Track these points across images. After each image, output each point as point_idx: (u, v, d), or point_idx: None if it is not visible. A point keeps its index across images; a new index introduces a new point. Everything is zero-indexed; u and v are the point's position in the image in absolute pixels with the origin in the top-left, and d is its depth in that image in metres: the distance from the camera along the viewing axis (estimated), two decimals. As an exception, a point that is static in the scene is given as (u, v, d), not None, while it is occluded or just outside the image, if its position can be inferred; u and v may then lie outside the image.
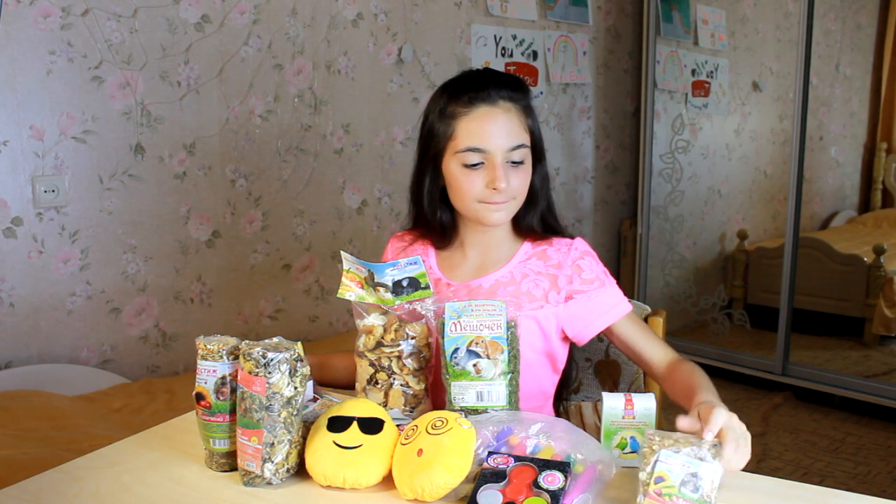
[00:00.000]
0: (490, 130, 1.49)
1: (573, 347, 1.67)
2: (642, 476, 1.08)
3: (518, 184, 1.52)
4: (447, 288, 1.60)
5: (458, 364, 1.35)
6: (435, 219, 1.62)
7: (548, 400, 1.64)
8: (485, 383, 1.35)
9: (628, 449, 1.27)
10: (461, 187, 1.53)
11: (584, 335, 1.57)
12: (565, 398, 1.76)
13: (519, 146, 1.51)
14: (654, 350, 1.55)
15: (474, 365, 1.35)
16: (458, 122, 1.52)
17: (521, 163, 1.52)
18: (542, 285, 1.56)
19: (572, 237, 1.62)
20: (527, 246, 1.62)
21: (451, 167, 1.54)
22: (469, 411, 1.35)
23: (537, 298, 1.55)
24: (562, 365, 1.63)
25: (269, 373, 1.19)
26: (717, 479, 1.07)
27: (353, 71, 3.48)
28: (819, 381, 3.93)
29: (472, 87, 1.53)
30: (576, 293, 1.55)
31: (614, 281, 1.60)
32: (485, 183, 1.50)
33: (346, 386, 1.66)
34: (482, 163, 1.50)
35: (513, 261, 1.60)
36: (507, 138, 1.50)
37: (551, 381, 1.63)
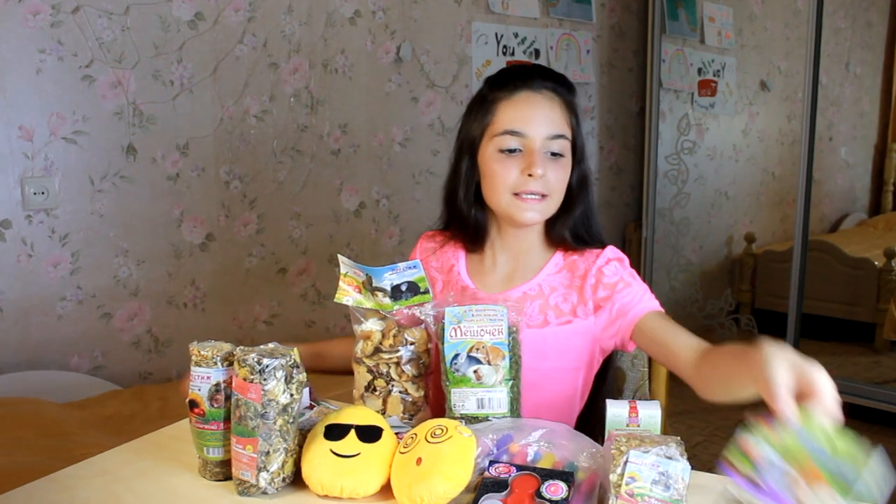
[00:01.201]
0: (530, 115, 1.49)
1: (610, 378, 1.65)
2: (613, 478, 1.09)
3: (555, 178, 1.49)
4: (447, 295, 1.56)
5: (458, 370, 1.35)
6: (469, 215, 1.59)
7: (561, 415, 1.58)
8: (486, 390, 1.35)
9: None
10: (495, 175, 1.50)
11: (622, 341, 1.52)
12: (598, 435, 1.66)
13: (559, 136, 1.49)
14: (681, 339, 1.41)
15: (475, 371, 1.35)
16: (499, 106, 1.52)
17: (560, 155, 1.50)
18: (571, 299, 1.53)
19: (604, 245, 1.57)
20: (558, 257, 1.59)
21: (487, 154, 1.52)
22: (469, 419, 1.35)
23: (565, 313, 1.53)
24: (580, 381, 1.58)
25: (265, 379, 1.19)
26: (687, 477, 1.08)
27: (351, 70, 3.48)
28: (829, 387, 3.93)
29: (517, 75, 1.54)
30: (601, 301, 1.51)
31: (644, 284, 1.54)
32: (520, 170, 1.47)
33: (345, 371, 1.65)
34: (520, 150, 1.48)
35: (542, 272, 1.57)
36: (547, 125, 1.49)
37: (566, 396, 1.59)
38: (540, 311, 1.53)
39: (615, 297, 1.50)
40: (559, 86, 1.54)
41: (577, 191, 1.56)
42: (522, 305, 1.50)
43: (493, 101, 1.53)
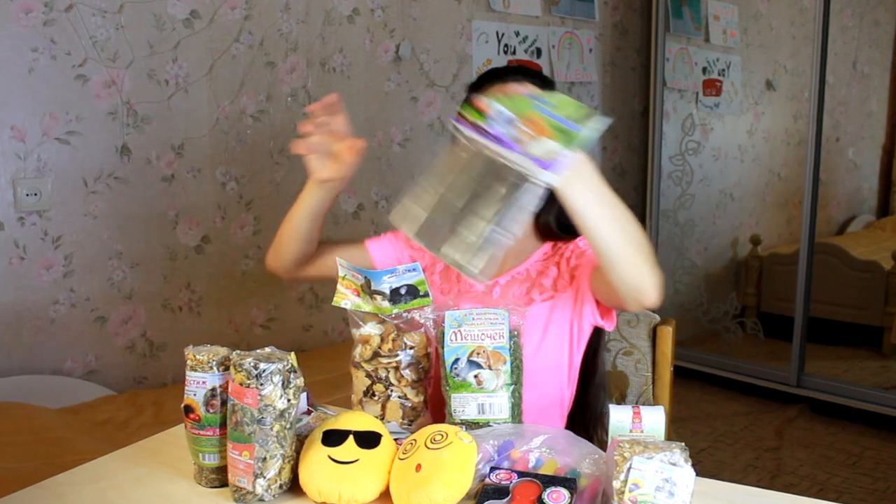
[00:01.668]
0: None
1: (596, 373, 1.67)
2: (616, 484, 1.09)
3: None
4: (447, 299, 1.61)
5: (458, 375, 1.35)
6: None
7: (554, 410, 1.63)
8: (486, 395, 1.35)
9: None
10: None
11: (591, 307, 1.54)
12: (590, 428, 1.70)
13: None
14: None
15: (475, 376, 1.35)
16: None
17: None
18: (552, 275, 1.60)
19: None
20: (547, 247, 1.67)
21: None
22: (470, 424, 1.35)
23: (547, 289, 1.59)
24: (565, 359, 1.62)
25: (261, 384, 1.19)
26: (691, 484, 1.08)
27: (349, 69, 3.49)
28: (836, 392, 3.93)
29: (492, 73, 1.66)
30: (575, 270, 1.59)
31: None
32: None
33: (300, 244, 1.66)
34: None
35: (530, 259, 1.65)
36: None
37: (560, 393, 1.62)
38: (526, 291, 1.60)
39: (583, 260, 1.57)
40: (529, 77, 1.60)
41: None
42: (524, 310, 1.50)
43: (469, 97, 1.63)
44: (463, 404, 1.36)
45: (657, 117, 4.53)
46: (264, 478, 1.22)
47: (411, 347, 1.41)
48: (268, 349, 1.26)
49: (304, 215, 1.64)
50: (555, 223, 1.64)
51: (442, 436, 1.21)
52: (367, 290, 1.44)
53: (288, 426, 1.23)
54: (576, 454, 1.22)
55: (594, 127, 1.06)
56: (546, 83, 1.64)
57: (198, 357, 1.29)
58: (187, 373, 1.30)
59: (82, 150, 2.80)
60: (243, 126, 3.19)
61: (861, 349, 4.48)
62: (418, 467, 1.18)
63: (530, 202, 1.06)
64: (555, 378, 1.60)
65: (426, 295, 1.44)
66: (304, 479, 1.22)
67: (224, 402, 1.27)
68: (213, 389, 1.28)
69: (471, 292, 1.63)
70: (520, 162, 1.04)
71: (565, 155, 1.04)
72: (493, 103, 1.07)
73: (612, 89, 4.70)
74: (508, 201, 1.05)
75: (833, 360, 4.36)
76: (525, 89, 1.11)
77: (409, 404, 1.41)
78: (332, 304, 1.45)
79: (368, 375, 1.42)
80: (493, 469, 1.19)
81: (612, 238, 1.22)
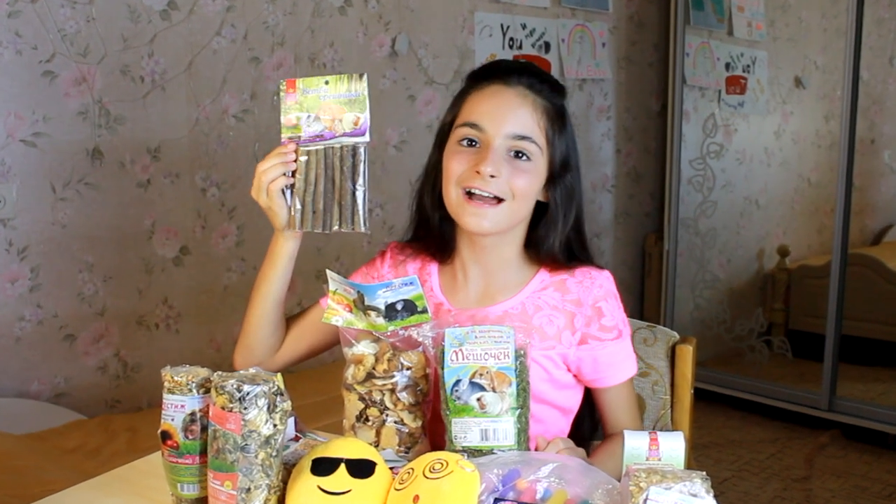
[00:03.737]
0: (495, 108, 1.51)
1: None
2: None
3: (514, 182, 1.49)
4: (448, 314, 1.59)
5: (459, 398, 1.35)
6: (433, 217, 1.62)
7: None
8: (490, 420, 1.35)
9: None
10: (447, 166, 1.53)
11: (584, 383, 1.62)
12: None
13: (525, 137, 1.50)
14: (616, 424, 1.61)
15: (478, 399, 1.35)
16: (468, 97, 1.56)
17: (526, 159, 1.51)
18: (557, 322, 1.56)
19: (600, 268, 1.60)
20: (543, 274, 1.60)
21: (448, 147, 1.56)
22: (472, 452, 1.35)
23: (549, 337, 1.56)
24: (572, 409, 1.64)
25: (245, 408, 1.19)
26: None
27: (341, 65, 3.50)
28: (871, 417, 3.93)
29: (496, 68, 1.57)
30: (591, 339, 1.55)
31: (630, 332, 1.61)
32: (471, 165, 1.49)
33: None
34: (478, 144, 1.51)
35: (526, 289, 1.59)
36: (512, 123, 1.50)
37: (559, 430, 1.62)
38: (524, 332, 1.55)
39: (607, 343, 1.56)
40: (539, 83, 1.55)
41: (561, 208, 1.57)
42: (530, 327, 1.50)
43: (465, 92, 1.58)
44: (465, 430, 1.36)
45: (676, 117, 4.53)
46: (248, 510, 1.22)
47: (408, 368, 1.41)
48: (252, 370, 1.27)
49: (279, 276, 1.58)
50: (562, 252, 1.58)
51: (442, 464, 1.21)
52: (361, 306, 1.44)
53: (274, 454, 1.23)
54: (587, 484, 1.22)
55: (363, 84, 1.55)
56: (556, 91, 1.57)
57: (176, 378, 1.29)
58: (164, 395, 1.30)
59: (50, 153, 2.80)
60: (225, 127, 3.20)
61: (898, 370, 4.48)
62: (416, 498, 1.18)
63: (364, 159, 1.50)
64: (552, 411, 1.61)
65: (424, 311, 1.44)
66: (292, 511, 1.23)
67: (204, 428, 1.27)
68: (193, 414, 1.28)
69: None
70: (340, 142, 1.50)
71: (364, 118, 1.54)
72: (296, 114, 1.52)
73: (626, 87, 4.71)
74: (352, 167, 1.48)
75: (868, 381, 4.36)
76: (297, 88, 1.52)
77: (406, 430, 1.41)
78: (322, 321, 1.45)
79: (362, 399, 1.42)
80: (497, 500, 1.20)
81: None
